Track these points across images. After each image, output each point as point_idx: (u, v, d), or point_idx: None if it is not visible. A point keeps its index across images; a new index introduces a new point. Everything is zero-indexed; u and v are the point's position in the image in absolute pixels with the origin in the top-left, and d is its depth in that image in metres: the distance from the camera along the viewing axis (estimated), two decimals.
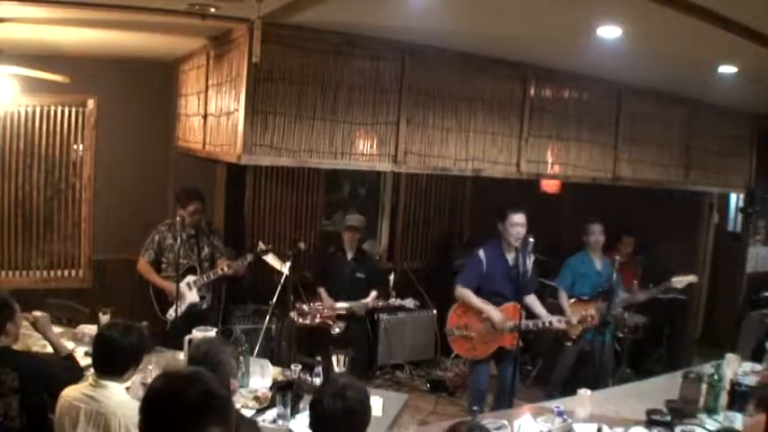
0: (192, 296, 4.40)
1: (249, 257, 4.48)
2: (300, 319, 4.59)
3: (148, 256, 4.46)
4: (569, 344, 4.80)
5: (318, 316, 4.66)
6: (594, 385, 3.54)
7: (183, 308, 4.34)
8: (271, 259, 4.46)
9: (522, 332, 4.06)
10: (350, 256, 4.86)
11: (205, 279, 4.43)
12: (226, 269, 4.43)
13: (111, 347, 2.43)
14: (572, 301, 4.88)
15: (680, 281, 4.79)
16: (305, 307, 4.61)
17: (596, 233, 4.97)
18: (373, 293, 5.01)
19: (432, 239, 6.76)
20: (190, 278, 4.40)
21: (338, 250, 4.96)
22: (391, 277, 4.90)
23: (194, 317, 4.30)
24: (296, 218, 6.01)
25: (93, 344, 2.51)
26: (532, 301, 4.39)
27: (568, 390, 3.95)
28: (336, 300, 4.88)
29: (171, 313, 4.36)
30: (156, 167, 5.45)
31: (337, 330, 4.37)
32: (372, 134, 4.12)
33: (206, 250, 4.51)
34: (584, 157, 4.99)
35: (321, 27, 3.78)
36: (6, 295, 2.88)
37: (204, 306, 4.51)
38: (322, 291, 4.95)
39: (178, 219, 4.43)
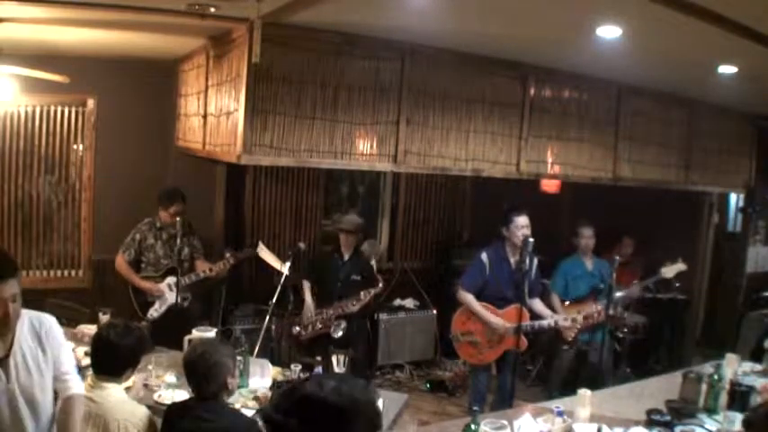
0: (172, 297, 4.37)
1: (231, 260, 4.50)
2: (303, 332, 4.55)
3: (128, 255, 4.45)
4: (566, 347, 4.76)
5: (318, 323, 4.62)
6: (594, 385, 3.54)
7: (163, 309, 4.37)
8: (265, 254, 4.44)
9: (526, 333, 4.06)
10: (346, 257, 4.82)
11: (186, 281, 4.40)
12: (208, 272, 4.45)
13: (110, 348, 2.43)
14: (567, 303, 4.85)
15: (669, 270, 4.74)
16: (304, 318, 4.56)
17: (586, 236, 4.94)
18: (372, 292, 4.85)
19: (432, 239, 6.75)
20: (170, 279, 4.39)
21: (335, 251, 4.91)
22: (373, 263, 4.87)
23: (176, 315, 4.31)
24: (296, 218, 6.01)
25: (92, 344, 2.49)
26: (536, 303, 4.36)
27: (568, 390, 3.93)
28: (329, 300, 4.79)
29: (152, 313, 4.37)
30: (156, 167, 5.44)
31: (340, 333, 4.33)
32: (372, 134, 4.12)
33: (185, 251, 4.47)
34: (584, 157, 4.99)
35: (321, 27, 3.78)
36: None
37: (185, 304, 4.47)
38: (306, 284, 4.78)
39: (162, 219, 4.46)
